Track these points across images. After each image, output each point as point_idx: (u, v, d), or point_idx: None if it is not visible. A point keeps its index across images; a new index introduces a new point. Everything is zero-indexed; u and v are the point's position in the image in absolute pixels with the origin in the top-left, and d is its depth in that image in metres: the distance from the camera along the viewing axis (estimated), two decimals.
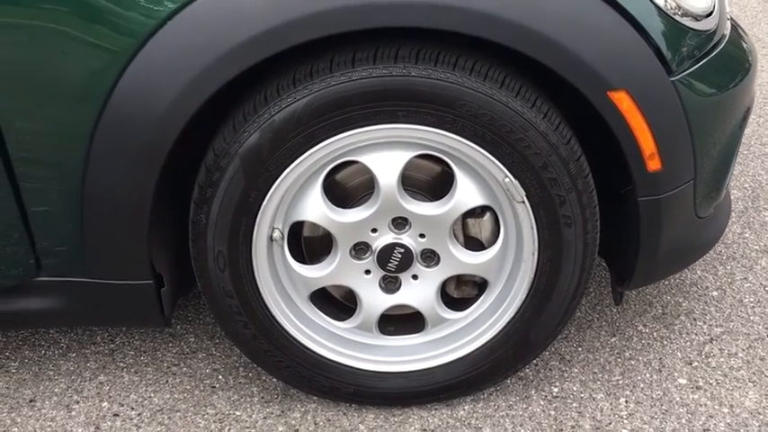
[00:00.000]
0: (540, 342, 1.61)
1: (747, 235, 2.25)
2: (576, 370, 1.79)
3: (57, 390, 1.77)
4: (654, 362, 1.81)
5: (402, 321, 1.66)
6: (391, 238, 1.51)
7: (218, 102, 1.36)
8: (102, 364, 1.83)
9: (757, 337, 1.87)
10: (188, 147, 1.42)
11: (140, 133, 1.34)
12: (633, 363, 1.81)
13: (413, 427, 1.64)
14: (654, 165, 1.42)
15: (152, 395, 1.74)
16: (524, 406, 1.70)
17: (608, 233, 1.56)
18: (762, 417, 1.66)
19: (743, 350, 1.84)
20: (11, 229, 1.45)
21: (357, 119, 1.36)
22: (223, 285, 1.50)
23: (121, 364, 1.83)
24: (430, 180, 1.52)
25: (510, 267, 1.56)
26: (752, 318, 1.93)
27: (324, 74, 1.33)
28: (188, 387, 1.76)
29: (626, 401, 1.70)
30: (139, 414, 1.69)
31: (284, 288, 1.57)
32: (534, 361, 1.79)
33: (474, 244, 1.56)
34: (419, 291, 1.58)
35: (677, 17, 1.41)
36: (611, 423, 1.65)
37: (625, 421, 1.65)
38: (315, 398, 1.71)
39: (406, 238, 1.51)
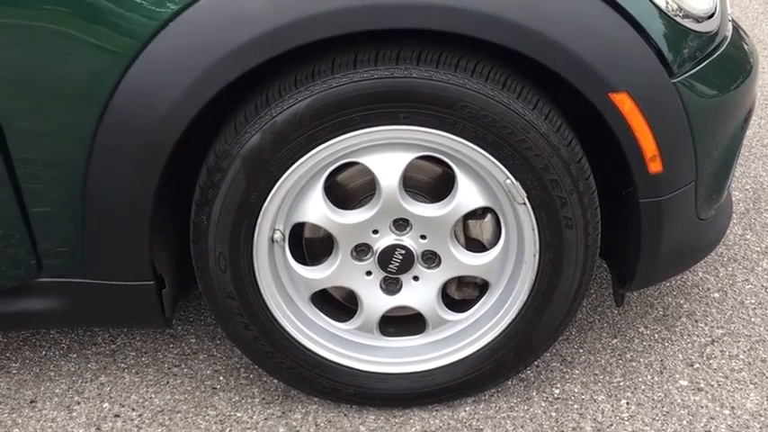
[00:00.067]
0: (541, 343, 1.61)
1: (749, 236, 2.25)
2: (577, 371, 1.79)
3: (58, 390, 1.77)
4: (655, 363, 1.81)
5: (403, 323, 1.66)
6: (392, 239, 1.51)
7: (219, 103, 1.36)
8: (103, 364, 1.84)
9: (758, 338, 1.87)
10: (189, 148, 1.42)
11: (142, 134, 1.34)
12: (634, 364, 1.81)
13: (414, 429, 1.64)
14: (655, 166, 1.42)
15: (153, 396, 1.74)
16: (525, 407, 1.69)
17: (609, 235, 1.56)
18: (763, 419, 1.66)
19: (744, 352, 1.83)
20: (12, 230, 1.45)
21: (358, 120, 1.36)
22: (224, 286, 1.50)
23: (122, 365, 1.83)
24: (431, 181, 1.52)
25: (511, 269, 1.56)
26: (753, 319, 1.93)
27: (325, 75, 1.33)
28: (189, 388, 1.76)
29: (627, 403, 1.70)
30: (140, 415, 1.69)
31: (285, 289, 1.57)
32: (535, 362, 1.79)
33: (475, 245, 1.56)
34: (420, 292, 1.58)
35: (678, 19, 1.41)
36: (612, 425, 1.65)
37: (626, 423, 1.65)
38: (316, 399, 1.71)
39: (408, 240, 1.51)
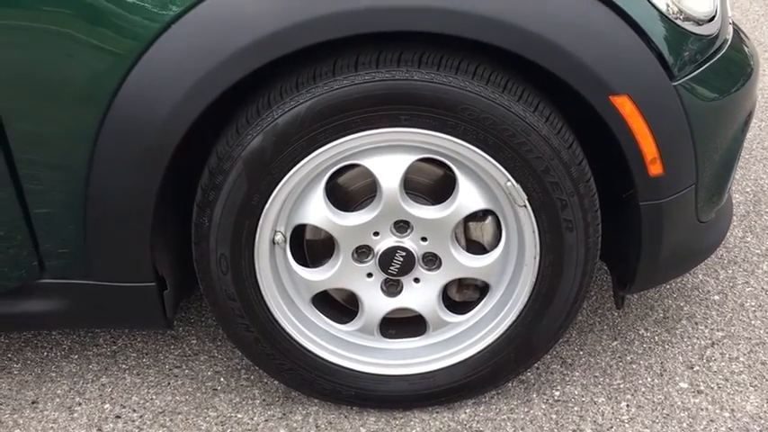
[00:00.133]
0: (541, 346, 1.61)
1: (749, 239, 2.25)
2: (577, 373, 1.79)
3: (59, 391, 1.77)
4: (655, 366, 1.81)
5: (403, 324, 1.66)
6: (393, 241, 1.51)
7: (221, 105, 1.36)
8: (104, 365, 1.84)
9: (759, 341, 1.87)
10: (191, 149, 1.43)
11: (144, 136, 1.34)
12: (634, 366, 1.81)
13: (414, 430, 1.64)
14: (655, 169, 1.42)
15: (154, 397, 1.75)
16: (526, 409, 1.70)
17: (609, 237, 1.56)
18: (763, 421, 1.66)
19: (744, 354, 1.84)
20: (14, 231, 1.45)
21: (359, 122, 1.36)
22: (225, 288, 1.50)
23: (123, 366, 1.84)
24: (432, 184, 1.52)
25: (512, 271, 1.56)
26: (753, 322, 1.94)
27: (327, 77, 1.33)
28: (190, 389, 1.77)
29: (627, 405, 1.71)
30: (141, 416, 1.69)
31: (286, 291, 1.57)
32: (536, 364, 1.79)
33: (476, 247, 1.56)
34: (421, 294, 1.58)
35: (679, 21, 1.42)
36: (612, 427, 1.65)
37: (626, 425, 1.65)
38: (316, 401, 1.71)
39: (408, 242, 1.51)
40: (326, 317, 1.62)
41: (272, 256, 1.52)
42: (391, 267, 1.52)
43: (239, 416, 1.69)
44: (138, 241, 1.45)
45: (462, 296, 1.65)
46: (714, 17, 1.51)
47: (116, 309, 1.55)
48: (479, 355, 1.61)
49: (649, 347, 1.86)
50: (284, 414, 1.69)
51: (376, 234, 1.50)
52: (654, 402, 1.71)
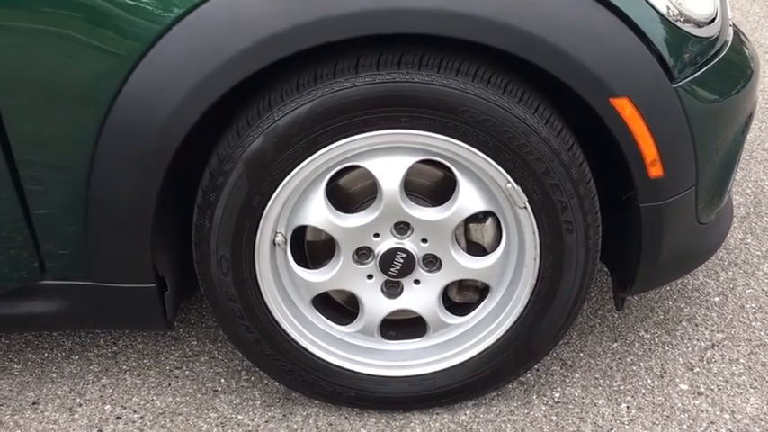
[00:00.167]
0: (541, 347, 1.61)
1: (749, 241, 2.25)
2: (577, 375, 1.79)
3: (60, 392, 1.77)
4: (655, 367, 1.81)
5: (404, 326, 1.66)
6: (393, 242, 1.51)
7: (221, 106, 1.36)
8: (104, 366, 1.84)
9: (759, 342, 1.87)
10: (192, 151, 1.43)
11: (145, 137, 1.35)
12: (635, 368, 1.81)
13: None
14: (656, 171, 1.42)
15: (154, 398, 1.75)
16: (526, 411, 1.70)
17: (610, 239, 1.56)
18: (763, 423, 1.66)
19: (744, 356, 1.84)
20: (15, 232, 1.46)
21: (360, 124, 1.36)
22: (226, 289, 1.51)
23: (124, 367, 1.84)
24: (432, 185, 1.52)
25: (512, 273, 1.56)
26: (753, 323, 1.94)
27: (327, 79, 1.33)
28: (190, 390, 1.77)
29: (627, 407, 1.71)
30: (142, 417, 1.70)
31: (287, 292, 1.57)
32: (536, 366, 1.79)
33: (476, 249, 1.56)
34: (421, 295, 1.58)
35: (679, 24, 1.42)
36: (612, 429, 1.65)
37: (627, 427, 1.66)
38: (317, 402, 1.71)
39: (409, 243, 1.51)
40: (327, 318, 1.62)
41: (273, 257, 1.52)
42: (391, 269, 1.52)
43: (240, 417, 1.69)
44: (138, 242, 1.45)
45: (462, 298, 1.65)
46: (714, 19, 1.51)
47: (117, 310, 1.56)
48: (479, 356, 1.61)
49: (649, 349, 1.86)
50: (285, 415, 1.69)
51: (376, 235, 1.51)
52: (654, 404, 1.71)
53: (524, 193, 1.43)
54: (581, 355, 1.85)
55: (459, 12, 1.28)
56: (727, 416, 1.68)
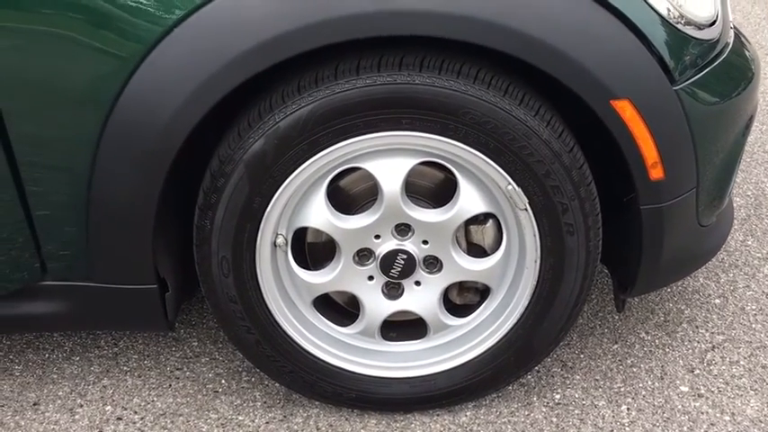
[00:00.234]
0: (542, 349, 1.61)
1: (750, 243, 2.25)
2: (578, 377, 1.79)
3: (60, 393, 1.77)
4: (656, 369, 1.81)
5: (404, 327, 1.66)
6: (394, 244, 1.51)
7: (222, 108, 1.37)
8: (105, 367, 1.84)
9: (759, 344, 1.88)
10: (193, 152, 1.43)
11: (146, 139, 1.35)
12: (635, 370, 1.81)
13: None
14: (656, 173, 1.43)
15: (155, 399, 1.75)
16: (526, 412, 1.70)
17: (610, 241, 1.57)
18: (763, 425, 1.66)
19: (745, 358, 1.84)
20: (16, 233, 1.46)
21: (361, 126, 1.36)
22: (227, 291, 1.51)
23: (125, 368, 1.84)
24: (433, 187, 1.52)
25: (512, 274, 1.56)
26: (754, 326, 1.94)
27: (329, 81, 1.34)
28: (191, 391, 1.77)
29: (628, 409, 1.71)
30: (142, 418, 1.70)
31: (287, 293, 1.57)
32: (536, 367, 1.79)
33: (477, 251, 1.56)
34: (422, 297, 1.58)
35: (680, 26, 1.42)
36: (612, 430, 1.65)
37: (627, 429, 1.66)
38: (317, 403, 1.71)
39: (409, 245, 1.52)
40: (327, 319, 1.62)
41: (274, 258, 1.52)
42: (392, 270, 1.52)
43: (240, 418, 1.69)
44: (139, 244, 1.45)
45: (463, 299, 1.65)
46: (715, 21, 1.51)
47: (118, 311, 1.56)
48: (480, 358, 1.61)
49: (650, 351, 1.86)
50: (285, 416, 1.70)
51: (377, 237, 1.51)
52: (654, 406, 1.71)
53: (525, 194, 1.43)
54: (581, 356, 1.85)
55: (459, 14, 1.28)
56: (727, 418, 1.68)
